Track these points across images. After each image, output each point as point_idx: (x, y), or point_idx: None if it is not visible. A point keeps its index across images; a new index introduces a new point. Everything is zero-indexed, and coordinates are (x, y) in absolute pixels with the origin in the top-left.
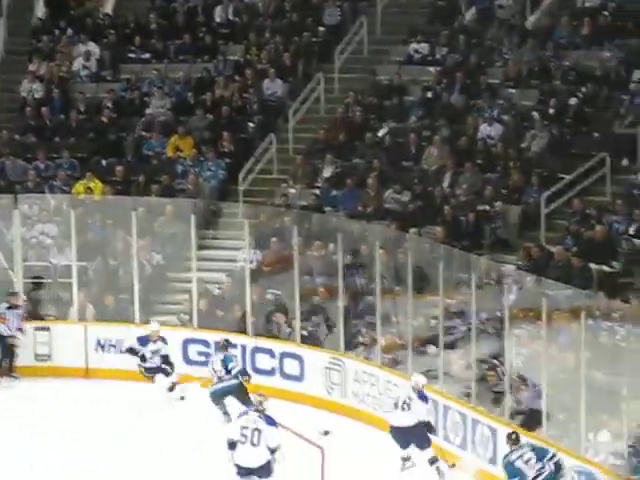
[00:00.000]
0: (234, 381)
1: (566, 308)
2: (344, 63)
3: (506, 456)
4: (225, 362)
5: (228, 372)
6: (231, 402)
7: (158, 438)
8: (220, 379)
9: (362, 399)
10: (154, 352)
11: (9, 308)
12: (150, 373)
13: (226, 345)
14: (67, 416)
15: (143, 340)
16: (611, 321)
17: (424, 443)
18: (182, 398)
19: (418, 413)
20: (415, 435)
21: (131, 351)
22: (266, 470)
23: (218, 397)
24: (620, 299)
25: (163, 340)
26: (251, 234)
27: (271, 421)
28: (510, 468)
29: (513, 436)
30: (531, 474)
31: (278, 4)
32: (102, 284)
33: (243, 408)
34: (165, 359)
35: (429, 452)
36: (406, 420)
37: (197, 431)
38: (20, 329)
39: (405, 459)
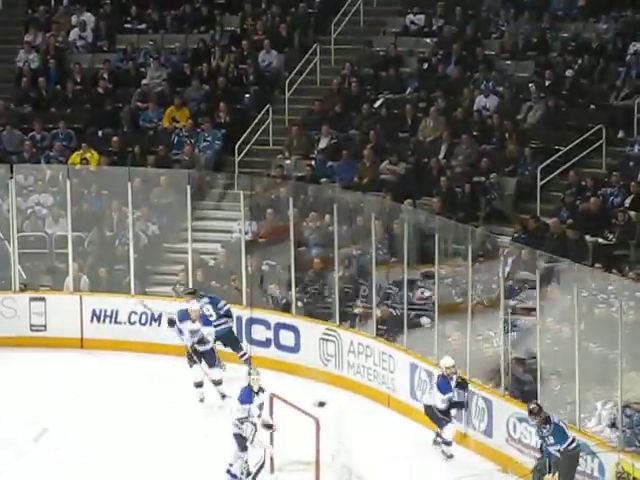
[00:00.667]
0: (225, 325)
1: (561, 280)
2: (340, 34)
3: (547, 422)
4: (213, 304)
5: (218, 315)
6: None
7: (152, 412)
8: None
9: (357, 370)
10: (193, 332)
11: None
12: (195, 356)
13: (197, 292)
14: (63, 388)
15: (183, 315)
16: (606, 293)
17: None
18: (201, 400)
19: (433, 399)
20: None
21: (170, 323)
22: (236, 440)
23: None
24: (615, 271)
25: (205, 322)
26: (247, 205)
27: (241, 396)
28: (559, 429)
29: (535, 409)
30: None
31: None
32: (98, 254)
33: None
34: (201, 341)
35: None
36: (424, 399)
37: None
38: None
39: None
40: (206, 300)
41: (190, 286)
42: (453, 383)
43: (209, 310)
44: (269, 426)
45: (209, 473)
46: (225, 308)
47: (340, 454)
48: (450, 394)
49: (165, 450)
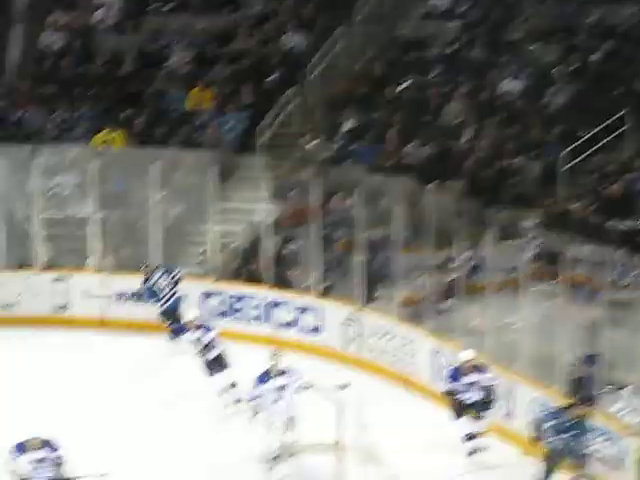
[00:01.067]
0: (175, 297)
1: (584, 265)
2: (365, 17)
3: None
4: (168, 272)
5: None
6: None
7: (171, 394)
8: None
9: (379, 353)
10: (194, 342)
11: None
12: (211, 365)
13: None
14: (84, 368)
15: (181, 329)
16: (629, 277)
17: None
18: (238, 401)
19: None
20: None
21: (174, 333)
22: None
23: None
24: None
25: (203, 328)
26: (270, 187)
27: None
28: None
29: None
30: None
31: None
32: (121, 235)
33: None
34: (207, 347)
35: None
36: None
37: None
38: None
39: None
40: (162, 270)
41: (214, 268)
42: (468, 379)
43: (165, 279)
44: (307, 387)
45: (229, 456)
46: (177, 276)
47: (361, 437)
48: (452, 386)
49: (184, 431)
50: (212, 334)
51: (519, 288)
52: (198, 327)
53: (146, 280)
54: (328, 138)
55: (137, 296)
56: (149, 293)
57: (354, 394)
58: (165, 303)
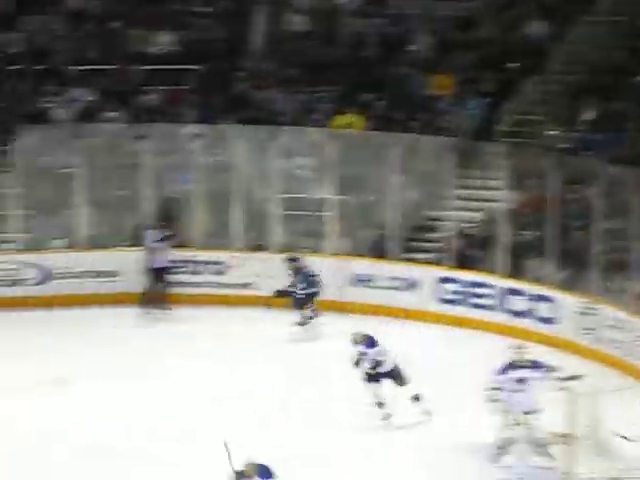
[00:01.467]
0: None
1: None
2: (611, 5)
3: None
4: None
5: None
6: None
7: None
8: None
9: (616, 346)
10: (362, 354)
11: (162, 240)
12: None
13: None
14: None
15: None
16: None
17: None
18: (384, 419)
19: None
20: None
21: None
22: None
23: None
24: None
25: (369, 343)
26: (510, 175)
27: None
28: None
29: None
30: None
31: None
32: (359, 219)
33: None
34: (376, 364)
35: None
36: None
37: None
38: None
39: None
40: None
41: (449, 254)
42: None
43: (310, 266)
44: (574, 377)
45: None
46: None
47: (593, 430)
48: None
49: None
50: (377, 350)
51: None
52: (365, 340)
53: (298, 270)
54: (568, 127)
55: (295, 285)
56: (307, 280)
57: (587, 386)
58: (316, 287)
